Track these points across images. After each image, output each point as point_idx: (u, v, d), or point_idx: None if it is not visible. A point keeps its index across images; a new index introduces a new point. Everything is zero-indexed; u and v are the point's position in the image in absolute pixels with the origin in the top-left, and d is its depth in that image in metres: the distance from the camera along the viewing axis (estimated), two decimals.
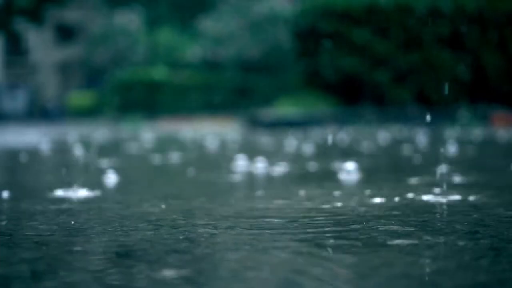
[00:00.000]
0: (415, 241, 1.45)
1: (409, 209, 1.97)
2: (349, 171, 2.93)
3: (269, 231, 1.62)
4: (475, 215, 1.87)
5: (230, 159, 4.08)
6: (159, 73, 25.93)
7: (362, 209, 2.01)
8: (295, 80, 19.57)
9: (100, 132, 12.36)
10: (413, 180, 2.97)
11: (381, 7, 17.80)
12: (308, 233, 1.59)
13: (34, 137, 9.92)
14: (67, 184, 2.60)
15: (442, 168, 3.31)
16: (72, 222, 1.77)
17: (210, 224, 1.74)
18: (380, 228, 1.63)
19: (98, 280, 1.15)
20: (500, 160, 4.60)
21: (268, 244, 1.45)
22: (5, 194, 2.45)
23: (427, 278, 1.14)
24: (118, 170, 3.22)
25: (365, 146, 6.34)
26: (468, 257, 1.31)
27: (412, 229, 1.61)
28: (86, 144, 6.84)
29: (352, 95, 17.45)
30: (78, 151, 5.55)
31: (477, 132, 9.48)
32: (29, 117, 34.14)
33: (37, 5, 29.55)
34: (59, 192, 2.47)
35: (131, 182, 3.13)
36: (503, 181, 2.97)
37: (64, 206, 2.15)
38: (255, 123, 15.62)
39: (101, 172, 3.15)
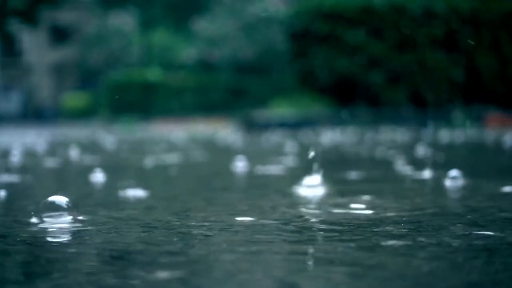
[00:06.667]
0: (409, 242, 1.45)
1: (402, 211, 1.98)
2: None
3: (264, 233, 1.62)
4: (468, 216, 1.87)
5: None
6: (153, 74, 25.91)
7: (356, 211, 2.02)
8: (289, 81, 19.58)
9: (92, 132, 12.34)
10: (406, 182, 2.98)
11: (375, 8, 17.82)
12: (302, 234, 1.59)
13: (29, 138, 9.90)
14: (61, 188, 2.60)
15: (434, 169, 3.32)
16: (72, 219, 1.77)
17: (205, 225, 1.74)
18: (374, 229, 1.63)
19: (92, 282, 1.15)
20: (491, 162, 4.62)
21: (262, 246, 1.45)
22: (2, 193, 2.45)
23: (420, 279, 1.14)
24: (104, 169, 3.22)
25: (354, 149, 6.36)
26: (462, 258, 1.31)
27: (406, 230, 1.62)
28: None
29: (347, 96, 17.46)
30: (73, 152, 5.54)
31: (469, 133, 9.50)
32: (23, 118, 34.10)
33: (31, 6, 29.51)
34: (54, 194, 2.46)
35: (120, 181, 3.12)
36: (495, 183, 2.98)
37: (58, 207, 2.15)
38: (250, 124, 15.62)
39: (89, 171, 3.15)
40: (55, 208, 1.80)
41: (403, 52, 17.64)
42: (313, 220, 1.82)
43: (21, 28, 33.80)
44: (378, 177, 3.36)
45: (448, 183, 2.67)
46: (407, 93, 17.44)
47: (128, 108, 23.91)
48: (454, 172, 2.71)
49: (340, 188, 2.70)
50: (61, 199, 1.81)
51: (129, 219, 1.89)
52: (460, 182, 2.67)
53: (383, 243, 1.45)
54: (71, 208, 1.81)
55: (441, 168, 3.40)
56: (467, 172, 2.81)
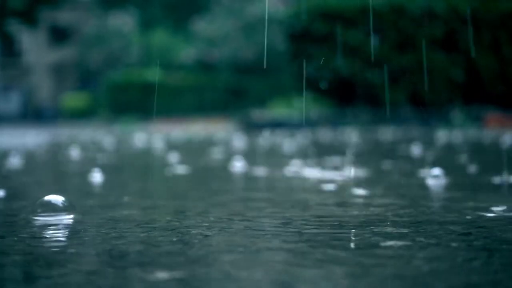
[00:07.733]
0: (409, 243, 1.45)
1: (402, 211, 1.98)
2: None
3: (263, 233, 1.62)
4: (468, 216, 1.87)
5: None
6: (153, 74, 25.90)
7: (355, 211, 2.02)
8: (289, 82, 19.58)
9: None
10: (404, 182, 2.98)
11: (375, 9, 17.81)
12: (302, 234, 1.59)
13: (29, 139, 9.90)
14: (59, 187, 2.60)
15: (433, 169, 3.32)
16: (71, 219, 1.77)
17: (204, 225, 1.74)
18: (373, 230, 1.63)
19: (91, 282, 1.15)
20: (489, 161, 4.61)
21: (261, 246, 1.45)
22: (1, 193, 2.45)
23: (420, 279, 1.14)
24: (103, 169, 3.22)
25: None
26: (461, 258, 1.31)
27: (405, 230, 1.61)
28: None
29: (346, 97, 17.46)
30: (73, 152, 5.54)
31: (468, 133, 9.50)
32: (23, 118, 34.09)
33: (31, 6, 29.51)
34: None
35: (118, 181, 3.12)
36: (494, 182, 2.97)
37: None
38: (249, 125, 15.62)
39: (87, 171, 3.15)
40: (51, 207, 1.79)
41: (403, 52, 17.64)
42: (313, 220, 1.82)
43: (21, 29, 33.79)
44: (378, 177, 3.35)
45: (430, 181, 2.68)
46: (407, 93, 17.44)
47: (128, 108, 23.92)
48: (436, 171, 2.71)
49: (340, 188, 2.70)
50: (57, 198, 1.81)
51: (128, 219, 1.89)
52: (443, 181, 2.68)
53: (383, 243, 1.45)
54: (68, 208, 1.80)
55: (440, 167, 3.40)
56: (466, 172, 2.81)
